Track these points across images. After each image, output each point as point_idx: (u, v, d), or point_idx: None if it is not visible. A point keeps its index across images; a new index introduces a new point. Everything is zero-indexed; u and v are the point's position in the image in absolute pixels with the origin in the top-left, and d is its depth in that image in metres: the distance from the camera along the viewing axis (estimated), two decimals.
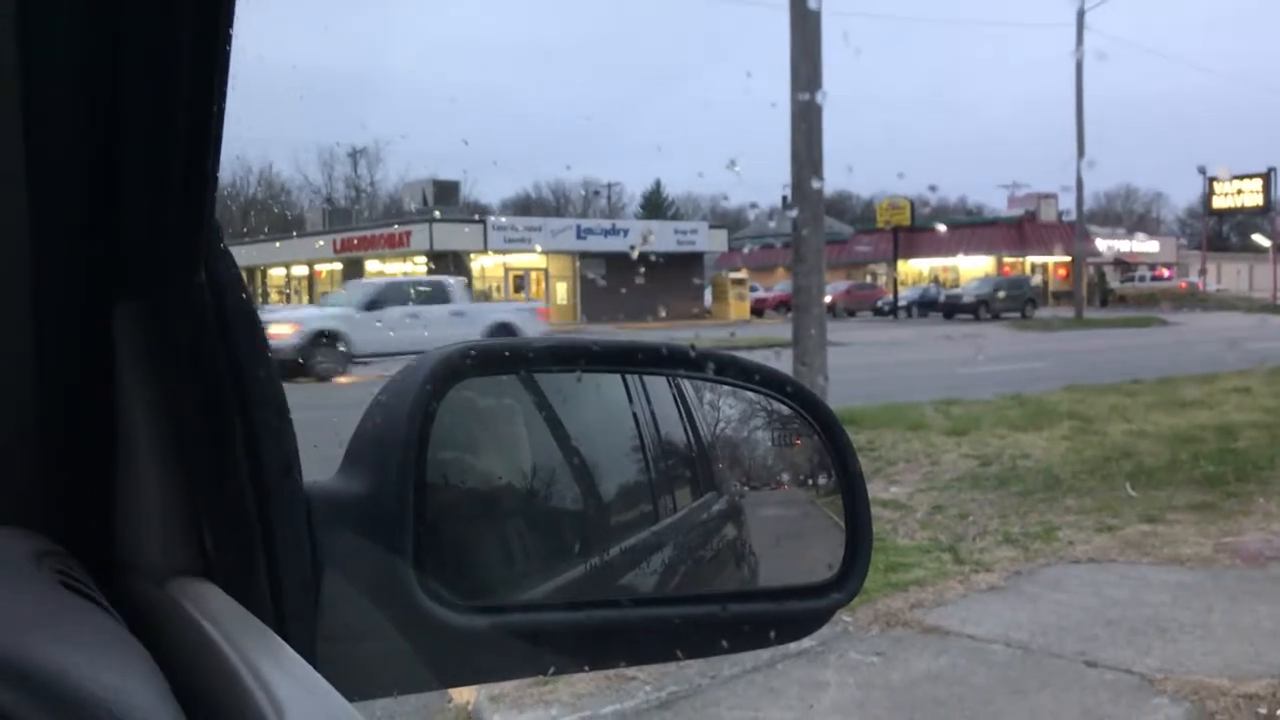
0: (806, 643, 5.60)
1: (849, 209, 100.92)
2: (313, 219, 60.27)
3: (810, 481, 1.24)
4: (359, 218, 65.83)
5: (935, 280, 65.23)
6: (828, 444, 1.19)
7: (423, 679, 0.97)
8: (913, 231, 64.34)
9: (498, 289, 50.72)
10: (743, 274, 57.18)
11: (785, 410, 1.20)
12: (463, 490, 1.03)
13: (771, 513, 1.23)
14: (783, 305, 57.06)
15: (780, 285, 61.35)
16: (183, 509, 0.88)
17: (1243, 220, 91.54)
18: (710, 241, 55.61)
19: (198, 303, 0.86)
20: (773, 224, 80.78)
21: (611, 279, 50.12)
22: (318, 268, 53.96)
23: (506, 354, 1.06)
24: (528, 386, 1.08)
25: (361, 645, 0.93)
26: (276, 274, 55.98)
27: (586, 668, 1.11)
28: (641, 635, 1.05)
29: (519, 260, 50.09)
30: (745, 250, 73.23)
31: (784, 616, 1.12)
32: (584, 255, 50.26)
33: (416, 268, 49.78)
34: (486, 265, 50.14)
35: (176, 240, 0.83)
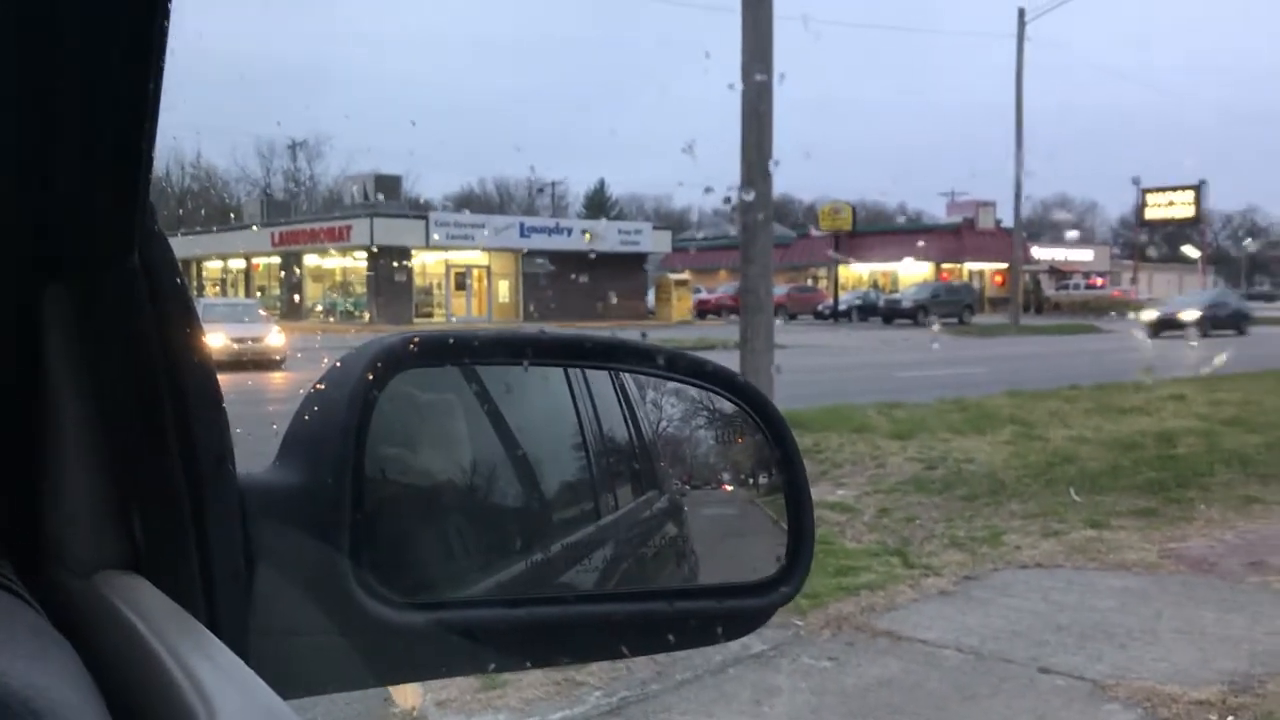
0: (758, 646, 5.54)
1: (790, 213, 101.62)
2: (250, 211, 59.27)
3: (751, 480, 1.23)
4: (298, 211, 64.93)
5: (875, 285, 65.87)
6: (772, 441, 1.17)
7: (359, 676, 0.94)
8: (854, 236, 64.89)
9: (439, 285, 50.29)
10: (685, 275, 57.21)
11: (728, 408, 1.19)
12: (402, 485, 1.01)
13: (713, 511, 1.22)
14: (725, 307, 57.30)
15: (724, 287, 61.56)
16: (111, 500, 0.85)
17: (1173, 231, 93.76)
18: (654, 242, 55.58)
19: (131, 287, 0.83)
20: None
21: (555, 278, 49.94)
22: (255, 260, 53.09)
23: (450, 343, 1.04)
24: (470, 378, 1.06)
25: (296, 641, 0.90)
26: (212, 266, 55.01)
27: (529, 665, 1.09)
28: (584, 632, 1.03)
29: (461, 257, 49.67)
30: (693, 247, 73.25)
31: (727, 613, 1.11)
32: (527, 253, 49.98)
33: (357, 262, 49.21)
34: (428, 261, 49.66)
35: (109, 222, 0.79)
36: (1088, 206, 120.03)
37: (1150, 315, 44.12)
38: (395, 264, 46.06)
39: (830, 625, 5.86)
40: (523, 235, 49.96)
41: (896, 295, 56.50)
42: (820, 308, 58.02)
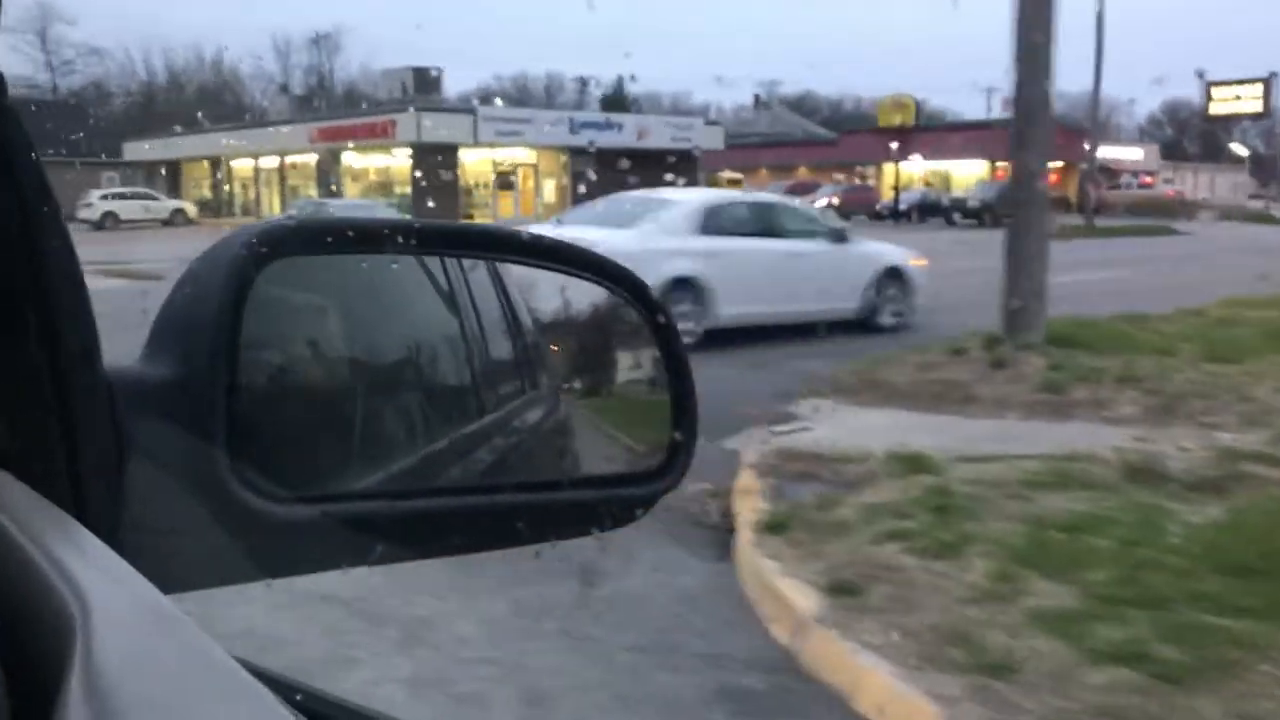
0: None
1: (817, 110, 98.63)
2: (278, 108, 56.48)
3: (633, 377, 1.22)
4: (319, 108, 62.14)
5: (927, 184, 63.31)
6: (655, 330, 1.13)
7: (241, 570, 0.90)
8: (903, 133, 62.06)
9: (485, 185, 47.77)
10: (739, 175, 54.59)
11: (607, 305, 1.15)
12: (280, 380, 0.96)
13: (594, 407, 1.24)
14: None
15: (772, 186, 59.09)
16: None
17: (1206, 130, 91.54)
18: (707, 138, 52.81)
19: None
20: (757, 105, 78.24)
21: (602, 178, 47.43)
22: (288, 159, 50.44)
23: (327, 228, 1.01)
24: (348, 269, 1.02)
25: (173, 537, 0.85)
26: (241, 166, 52.44)
27: (418, 556, 1.04)
28: (474, 521, 1.00)
29: (506, 155, 47.04)
30: (747, 143, 70.16)
31: (614, 502, 1.09)
32: (573, 151, 47.36)
33: (397, 161, 46.72)
34: (470, 160, 47.10)
35: None
36: (1124, 103, 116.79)
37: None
38: (441, 161, 43.59)
39: None
40: (573, 131, 47.19)
41: (961, 194, 53.94)
42: (878, 207, 55.47)
